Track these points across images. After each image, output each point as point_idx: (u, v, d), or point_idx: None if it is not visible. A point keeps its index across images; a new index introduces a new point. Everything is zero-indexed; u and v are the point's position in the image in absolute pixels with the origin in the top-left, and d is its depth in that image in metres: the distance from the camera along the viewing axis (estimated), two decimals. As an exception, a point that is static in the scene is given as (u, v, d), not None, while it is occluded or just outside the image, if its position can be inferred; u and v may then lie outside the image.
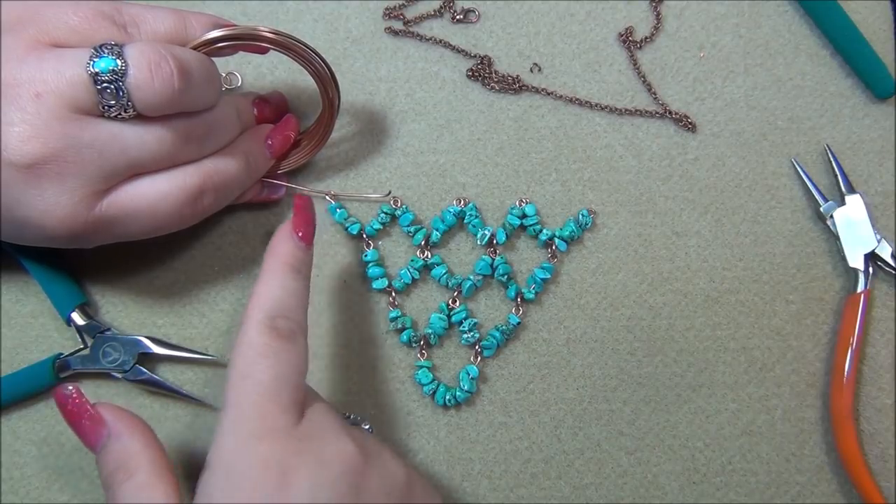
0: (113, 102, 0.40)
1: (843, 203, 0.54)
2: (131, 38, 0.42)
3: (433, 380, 0.51)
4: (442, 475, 0.51)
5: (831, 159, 0.55)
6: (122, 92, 0.40)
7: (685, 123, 0.55)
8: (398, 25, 0.56)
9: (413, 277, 0.52)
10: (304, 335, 0.42)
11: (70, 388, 0.42)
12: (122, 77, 0.39)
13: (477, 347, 0.52)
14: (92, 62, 0.39)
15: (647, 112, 0.56)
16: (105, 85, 0.39)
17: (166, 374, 0.51)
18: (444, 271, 0.52)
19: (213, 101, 0.45)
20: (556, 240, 0.53)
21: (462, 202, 0.53)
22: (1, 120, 0.39)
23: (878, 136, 0.55)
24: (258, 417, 0.38)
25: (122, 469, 0.39)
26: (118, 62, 0.39)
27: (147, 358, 0.51)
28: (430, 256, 0.53)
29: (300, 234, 0.45)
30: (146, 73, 0.40)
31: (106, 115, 0.40)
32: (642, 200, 0.54)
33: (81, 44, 0.41)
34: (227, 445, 0.38)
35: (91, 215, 0.41)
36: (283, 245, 0.44)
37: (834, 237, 0.54)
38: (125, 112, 0.40)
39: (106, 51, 0.39)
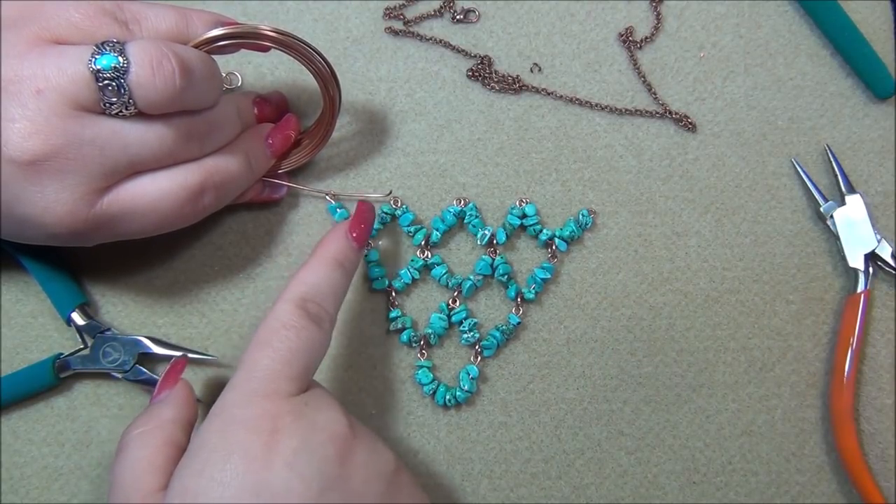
0: (114, 100, 0.40)
1: (843, 203, 0.54)
2: (133, 36, 0.42)
3: (433, 380, 0.51)
4: (442, 475, 0.51)
5: (831, 159, 0.55)
6: (124, 89, 0.40)
7: (685, 123, 0.55)
8: (398, 25, 0.56)
9: (413, 277, 0.52)
10: (331, 325, 0.44)
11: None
12: (123, 74, 0.39)
13: (477, 347, 0.52)
14: (94, 59, 0.39)
15: (647, 112, 0.56)
16: (107, 82, 0.39)
17: (166, 373, 0.51)
18: (444, 271, 0.52)
19: (214, 99, 0.45)
20: (557, 240, 0.53)
21: (462, 202, 0.53)
22: (1, 116, 0.39)
23: (878, 136, 0.56)
24: (266, 379, 0.40)
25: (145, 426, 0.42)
26: (120, 59, 0.39)
27: (147, 358, 0.51)
28: (430, 256, 0.53)
29: (354, 235, 0.47)
30: (148, 70, 0.40)
31: (107, 112, 0.40)
32: (642, 200, 0.54)
33: (83, 41, 0.41)
34: (231, 398, 0.40)
35: (91, 213, 0.41)
36: (334, 240, 0.46)
37: (834, 237, 0.54)
38: (126, 109, 0.40)
39: (108, 48, 0.39)
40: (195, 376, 0.51)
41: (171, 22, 0.44)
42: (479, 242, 0.53)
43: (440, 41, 0.56)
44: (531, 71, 0.56)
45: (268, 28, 0.46)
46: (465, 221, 0.53)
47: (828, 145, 0.55)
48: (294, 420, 0.38)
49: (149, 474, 0.40)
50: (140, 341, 0.50)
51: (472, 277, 0.52)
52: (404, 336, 0.52)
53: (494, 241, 0.53)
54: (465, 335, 0.52)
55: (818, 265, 0.54)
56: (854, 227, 0.53)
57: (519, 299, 0.53)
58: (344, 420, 0.40)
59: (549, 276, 0.53)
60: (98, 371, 0.50)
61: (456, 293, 0.53)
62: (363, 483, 0.39)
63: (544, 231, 0.53)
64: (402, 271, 0.53)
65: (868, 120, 0.56)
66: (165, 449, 0.41)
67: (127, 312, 0.52)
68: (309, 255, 0.46)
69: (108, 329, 0.50)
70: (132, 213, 0.43)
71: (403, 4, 0.57)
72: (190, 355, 0.51)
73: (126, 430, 0.43)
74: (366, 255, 0.53)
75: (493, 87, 0.56)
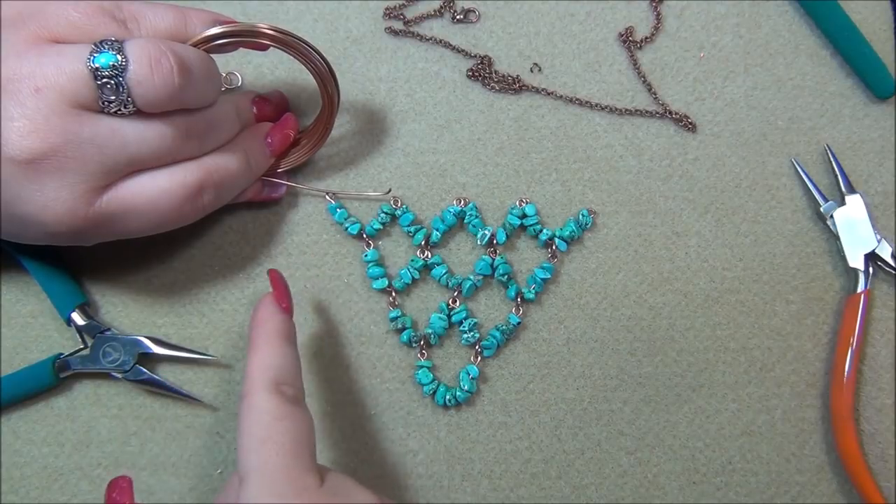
0: (113, 98, 0.40)
1: (843, 203, 0.54)
2: (131, 34, 0.42)
3: (433, 380, 0.51)
4: (442, 475, 0.51)
5: (831, 159, 0.55)
6: (123, 87, 0.40)
7: (685, 123, 0.55)
8: (398, 25, 0.56)
9: (413, 277, 0.52)
10: (304, 401, 0.43)
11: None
12: (122, 73, 0.39)
13: (477, 347, 0.52)
14: (92, 57, 0.39)
15: (647, 112, 0.56)
16: (105, 80, 0.39)
17: (166, 374, 0.51)
18: (444, 271, 0.52)
19: (212, 97, 0.45)
20: (557, 240, 0.53)
21: (462, 202, 0.53)
22: (1, 115, 0.39)
23: (878, 136, 0.55)
24: (286, 480, 0.38)
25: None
26: (118, 58, 0.39)
27: (147, 358, 0.51)
28: (430, 256, 0.53)
29: (283, 306, 0.46)
30: (146, 68, 0.40)
31: (106, 110, 0.40)
32: (642, 200, 0.54)
33: (82, 39, 0.41)
34: None
35: (91, 211, 0.41)
36: (269, 317, 0.45)
37: (834, 237, 0.54)
38: (125, 108, 0.40)
39: (106, 46, 0.40)
40: (195, 376, 0.51)
41: (169, 20, 0.44)
42: (479, 242, 0.53)
43: (440, 41, 0.56)
44: (531, 71, 0.56)
45: (266, 26, 0.46)
46: (465, 221, 0.53)
47: (828, 145, 0.55)
48: None
49: None
50: (140, 341, 0.50)
51: (472, 277, 0.52)
52: (404, 336, 0.52)
53: (494, 241, 0.53)
54: (465, 335, 0.52)
55: (818, 265, 0.54)
56: (854, 227, 0.53)
57: (519, 299, 0.53)
58: (375, 499, 0.39)
59: (549, 276, 0.52)
60: (98, 371, 0.50)
61: (456, 293, 0.53)
62: None
63: (544, 231, 0.53)
64: (402, 271, 0.53)
65: (868, 120, 0.56)
66: None
67: (127, 312, 0.52)
68: (251, 337, 0.44)
69: (108, 329, 0.50)
70: (131, 211, 0.43)
71: (403, 4, 0.57)
72: (190, 355, 0.51)
73: None
74: (366, 255, 0.53)
75: (493, 87, 0.56)
